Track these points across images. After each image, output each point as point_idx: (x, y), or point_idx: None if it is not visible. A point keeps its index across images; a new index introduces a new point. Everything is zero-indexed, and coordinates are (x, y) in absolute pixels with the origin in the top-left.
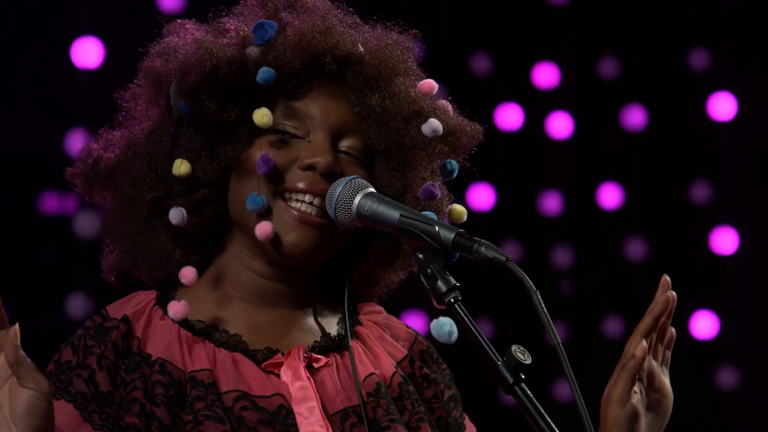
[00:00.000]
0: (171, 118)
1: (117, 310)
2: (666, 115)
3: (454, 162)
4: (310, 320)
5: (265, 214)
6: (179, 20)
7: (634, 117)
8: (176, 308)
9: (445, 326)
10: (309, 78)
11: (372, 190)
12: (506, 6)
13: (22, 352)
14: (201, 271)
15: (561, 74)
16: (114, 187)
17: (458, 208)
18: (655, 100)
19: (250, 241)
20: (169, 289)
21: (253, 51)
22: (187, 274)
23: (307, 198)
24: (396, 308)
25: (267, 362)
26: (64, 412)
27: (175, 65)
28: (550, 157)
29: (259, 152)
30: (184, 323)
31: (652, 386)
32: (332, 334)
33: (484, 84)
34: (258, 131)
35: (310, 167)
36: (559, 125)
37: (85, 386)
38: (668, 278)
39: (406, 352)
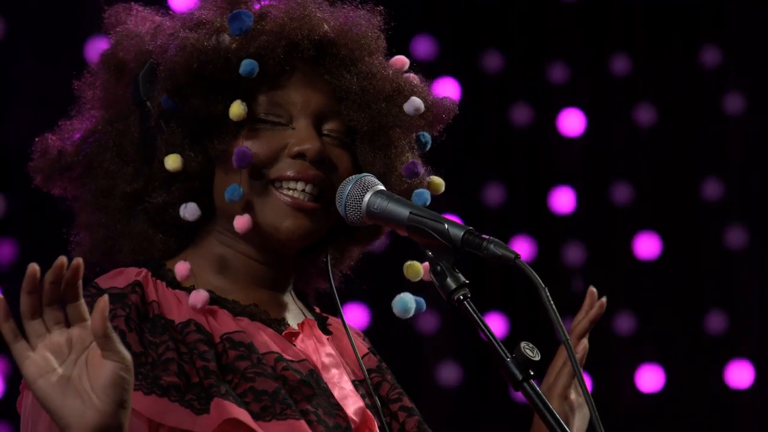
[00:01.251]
0: (142, 108)
1: (109, 281)
2: (677, 111)
3: (427, 134)
4: (293, 302)
5: (258, 202)
6: (123, 4)
7: (645, 114)
8: (182, 267)
9: (408, 302)
10: (288, 65)
11: (381, 187)
12: (517, 3)
13: (109, 323)
14: (177, 247)
15: (572, 71)
16: (77, 179)
17: (435, 179)
18: (666, 97)
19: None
20: (158, 265)
21: (225, 40)
22: (181, 270)
23: (299, 186)
24: None
25: (286, 331)
26: None
27: (136, 54)
28: (561, 154)
29: (249, 143)
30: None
31: (576, 390)
32: (319, 316)
33: (495, 82)
34: (243, 122)
35: (300, 155)
36: (571, 122)
37: None
38: (594, 289)
39: (365, 345)
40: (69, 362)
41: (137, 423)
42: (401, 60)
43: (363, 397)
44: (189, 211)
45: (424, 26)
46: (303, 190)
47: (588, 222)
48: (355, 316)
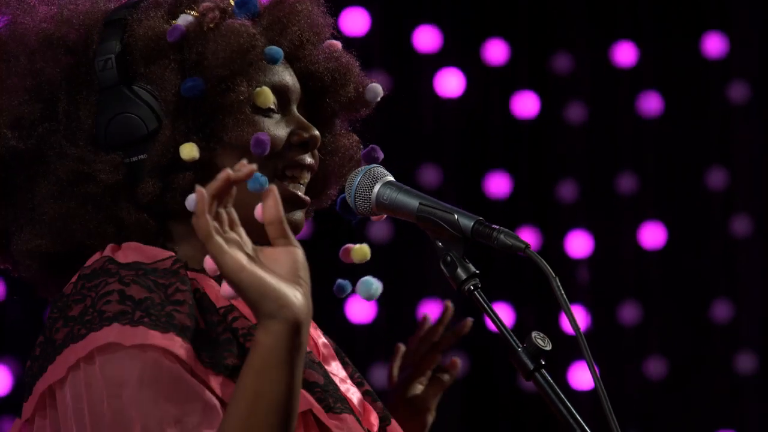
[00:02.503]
0: (113, 91)
1: (126, 256)
2: (682, 101)
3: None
4: None
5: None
6: None
7: (650, 103)
8: (211, 264)
9: (372, 285)
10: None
11: (391, 178)
12: None
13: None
14: (159, 229)
15: (577, 61)
16: (14, 163)
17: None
18: (670, 86)
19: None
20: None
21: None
22: (211, 264)
23: (304, 177)
24: (414, 296)
25: None
26: (179, 344)
27: (77, 30)
28: (566, 145)
29: (255, 131)
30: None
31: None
32: None
33: (499, 72)
34: (254, 110)
35: (305, 143)
36: (575, 112)
37: (189, 321)
38: (450, 304)
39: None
40: (252, 256)
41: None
42: (335, 43)
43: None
44: (192, 202)
45: (427, 17)
46: (303, 184)
47: (593, 212)
48: (360, 309)
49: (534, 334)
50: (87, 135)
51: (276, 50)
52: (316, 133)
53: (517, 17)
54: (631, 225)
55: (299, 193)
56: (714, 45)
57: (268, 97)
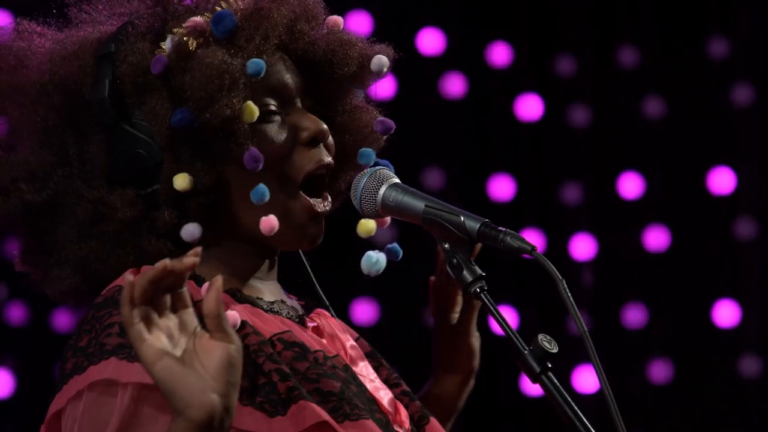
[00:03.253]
0: (115, 130)
1: None
2: (685, 103)
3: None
4: (281, 291)
5: (281, 203)
6: (15, 23)
7: (654, 106)
8: (270, 221)
9: (371, 258)
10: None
11: (397, 180)
12: None
13: (222, 304)
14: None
15: (580, 64)
16: (36, 215)
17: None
18: (674, 88)
19: (253, 231)
20: None
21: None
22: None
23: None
24: (418, 298)
25: (312, 326)
26: None
27: (74, 74)
28: (570, 147)
29: (259, 142)
30: (226, 291)
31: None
32: (305, 303)
33: (503, 75)
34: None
35: (313, 140)
36: (579, 115)
37: None
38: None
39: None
40: (180, 346)
41: None
42: (337, 19)
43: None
44: (188, 231)
45: (431, 19)
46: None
47: (597, 214)
48: (364, 311)
49: (540, 336)
50: (100, 174)
51: (256, 64)
52: (322, 126)
53: (520, 20)
54: (635, 227)
55: (315, 207)
56: (717, 47)
57: (251, 112)
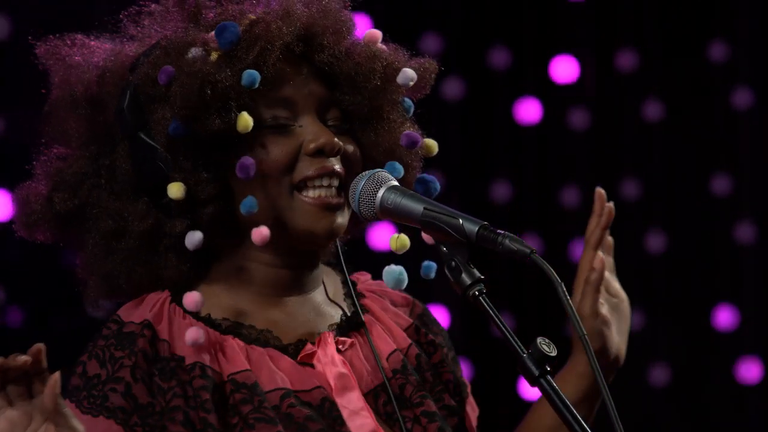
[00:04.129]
0: (133, 140)
1: (130, 313)
2: (685, 107)
3: (408, 100)
4: (323, 300)
5: (286, 209)
6: (59, 37)
7: (654, 109)
8: (192, 299)
9: (394, 273)
10: (281, 64)
11: (395, 183)
12: (525, 0)
13: (61, 400)
14: (198, 272)
15: (580, 67)
16: (64, 224)
17: (429, 141)
18: (674, 92)
19: (272, 238)
20: (179, 289)
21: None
22: (191, 300)
23: (324, 182)
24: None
25: (301, 355)
26: (103, 427)
27: (108, 86)
28: (569, 151)
29: (263, 152)
30: (209, 322)
31: (609, 293)
32: (347, 312)
33: (503, 78)
34: (253, 131)
35: (319, 151)
36: (579, 118)
37: (123, 400)
38: (602, 190)
39: (410, 320)
40: None
41: None
42: (373, 33)
43: (385, 404)
44: (191, 240)
45: (431, 23)
46: (328, 186)
47: None
48: None
49: (539, 340)
50: (125, 186)
51: (249, 75)
52: (329, 139)
53: (520, 23)
54: (635, 231)
55: (322, 198)
56: (718, 51)
57: (245, 122)
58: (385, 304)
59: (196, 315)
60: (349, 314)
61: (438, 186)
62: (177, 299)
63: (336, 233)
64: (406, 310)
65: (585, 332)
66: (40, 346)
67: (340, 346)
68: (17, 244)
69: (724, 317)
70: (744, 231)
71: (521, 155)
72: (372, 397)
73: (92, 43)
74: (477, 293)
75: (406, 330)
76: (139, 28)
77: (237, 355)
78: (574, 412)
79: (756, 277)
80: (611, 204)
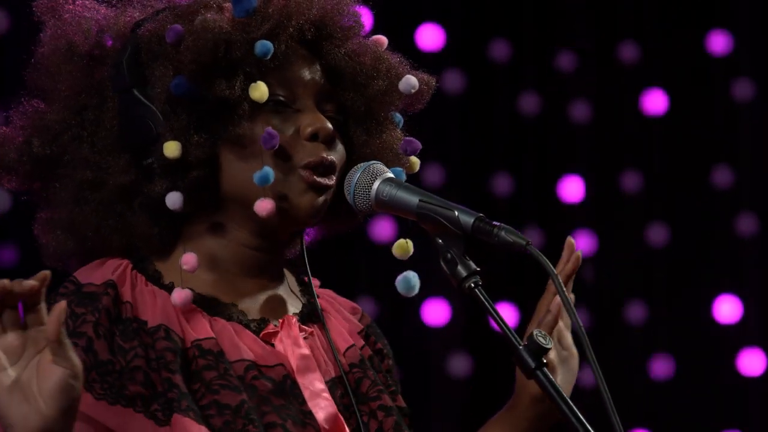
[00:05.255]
0: (126, 95)
1: (89, 275)
2: (687, 99)
3: (398, 115)
4: (284, 291)
5: (279, 185)
6: None
7: (655, 101)
8: (189, 260)
9: (411, 280)
10: (290, 46)
11: (390, 175)
12: None
13: (64, 330)
14: (165, 240)
15: (580, 60)
16: (38, 172)
17: (413, 159)
18: (675, 84)
19: (245, 214)
20: (140, 256)
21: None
22: (190, 260)
23: (321, 170)
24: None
25: (264, 332)
26: None
27: (104, 39)
28: (570, 143)
29: (262, 127)
30: (172, 291)
31: (560, 344)
32: (306, 304)
33: (503, 71)
34: (255, 105)
35: (314, 135)
36: (579, 111)
37: (84, 355)
38: (572, 239)
39: (361, 325)
40: (20, 364)
41: None
42: (381, 39)
43: (342, 396)
44: (172, 199)
45: (430, 16)
46: (326, 175)
47: (598, 211)
48: (364, 309)
49: (535, 332)
50: (108, 141)
51: (263, 45)
52: (325, 125)
53: (520, 15)
54: (636, 224)
55: (316, 178)
56: (719, 42)
57: (261, 91)
58: (338, 307)
59: (158, 283)
60: (308, 305)
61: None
62: (139, 267)
63: (315, 211)
64: (356, 317)
65: (582, 325)
66: (46, 273)
67: (302, 333)
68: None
69: (726, 309)
70: (745, 223)
71: (522, 148)
72: (329, 388)
73: (92, 4)
74: (473, 285)
75: (358, 333)
76: None
77: (201, 324)
78: (571, 404)
79: (757, 268)
80: (579, 252)
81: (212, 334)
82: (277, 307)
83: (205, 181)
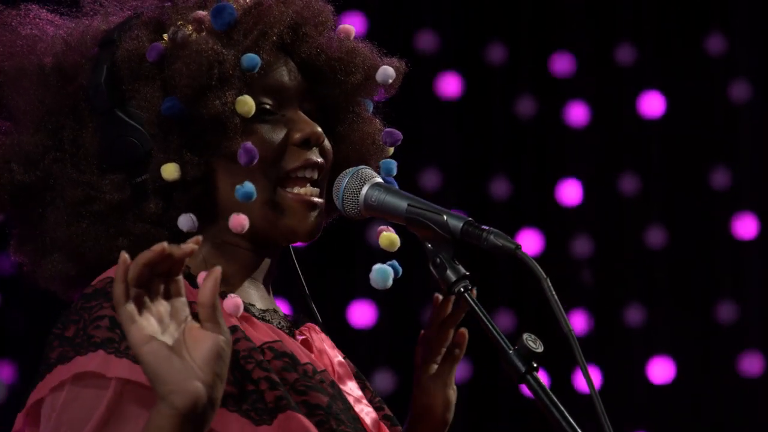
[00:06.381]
0: (108, 116)
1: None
2: (684, 100)
3: (369, 101)
4: (271, 297)
5: (269, 202)
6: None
7: (652, 103)
8: (241, 221)
9: (386, 271)
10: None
11: (379, 180)
12: None
13: (217, 295)
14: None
15: (577, 62)
16: (24, 197)
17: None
18: (673, 85)
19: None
20: None
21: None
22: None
23: (308, 173)
24: (416, 300)
25: (301, 338)
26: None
27: (74, 58)
28: (568, 146)
29: (252, 138)
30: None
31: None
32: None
33: (500, 73)
34: (244, 118)
35: (305, 141)
36: (577, 113)
37: None
38: (439, 296)
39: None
40: (170, 332)
41: None
42: (348, 28)
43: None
44: (184, 222)
45: (426, 19)
46: (310, 177)
47: (596, 214)
48: (361, 314)
49: (525, 336)
50: (92, 160)
51: (251, 59)
52: (315, 129)
53: (516, 18)
54: (634, 226)
55: (306, 197)
56: (716, 43)
57: (248, 105)
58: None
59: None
60: (300, 313)
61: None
62: None
63: (315, 234)
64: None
65: (572, 328)
66: (198, 238)
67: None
68: None
69: (726, 311)
70: (744, 224)
71: (519, 151)
72: None
73: (47, 15)
74: (462, 290)
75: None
76: (97, 6)
77: (260, 326)
78: (562, 408)
79: (757, 270)
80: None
81: (276, 337)
82: (282, 314)
83: (203, 197)
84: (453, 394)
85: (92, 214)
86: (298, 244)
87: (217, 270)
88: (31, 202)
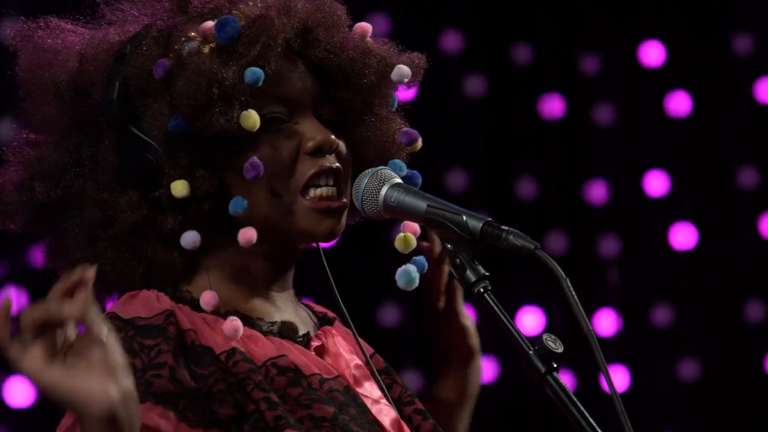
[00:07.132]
0: (122, 132)
1: (128, 310)
2: (711, 100)
3: (394, 98)
4: (294, 301)
5: (285, 211)
6: (33, 19)
7: (679, 103)
8: (209, 299)
9: (412, 272)
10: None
11: (398, 180)
12: None
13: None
14: (188, 262)
15: (604, 62)
16: (47, 214)
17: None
18: (699, 85)
19: (268, 236)
20: (164, 285)
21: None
22: (209, 300)
23: (323, 180)
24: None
25: (315, 346)
26: (156, 413)
27: (92, 74)
28: (594, 146)
29: (263, 149)
30: (219, 316)
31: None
32: (313, 313)
33: (526, 74)
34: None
35: (317, 150)
36: (603, 113)
37: (170, 385)
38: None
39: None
40: (60, 356)
41: None
42: (363, 26)
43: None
44: (188, 239)
45: (452, 20)
46: (326, 184)
47: (623, 214)
48: (389, 315)
49: (545, 336)
50: (109, 176)
51: (253, 73)
52: (327, 137)
53: (542, 18)
54: (661, 226)
55: (324, 203)
56: (742, 43)
57: (252, 119)
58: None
59: (203, 310)
60: (319, 315)
61: (420, 180)
62: (175, 296)
63: (336, 235)
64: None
65: (591, 328)
66: (91, 269)
67: (316, 342)
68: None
69: (754, 311)
70: None
71: (546, 151)
72: None
73: (67, 26)
74: (482, 290)
75: (371, 354)
76: (117, 13)
77: (263, 343)
78: (582, 408)
79: None
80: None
81: (281, 352)
82: (305, 318)
83: (217, 211)
84: (468, 319)
85: (110, 237)
86: (325, 244)
87: (91, 271)
88: (52, 218)
